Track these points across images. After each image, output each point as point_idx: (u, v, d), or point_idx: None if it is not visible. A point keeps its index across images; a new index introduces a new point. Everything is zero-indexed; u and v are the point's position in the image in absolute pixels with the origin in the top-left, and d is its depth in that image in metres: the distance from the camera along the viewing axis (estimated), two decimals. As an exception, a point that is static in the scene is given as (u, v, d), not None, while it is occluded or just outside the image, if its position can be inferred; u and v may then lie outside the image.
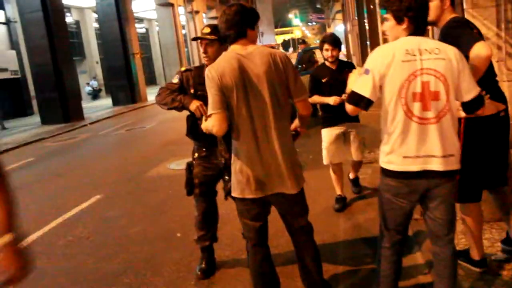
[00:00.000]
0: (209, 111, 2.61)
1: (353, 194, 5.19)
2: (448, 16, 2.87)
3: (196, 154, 3.67)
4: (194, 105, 3.38)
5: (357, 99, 2.41)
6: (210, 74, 2.61)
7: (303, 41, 13.69)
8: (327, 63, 4.75)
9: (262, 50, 2.69)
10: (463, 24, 2.85)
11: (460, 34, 2.70)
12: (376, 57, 2.39)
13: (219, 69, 2.60)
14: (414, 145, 2.34)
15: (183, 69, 3.69)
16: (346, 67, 4.70)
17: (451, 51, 2.33)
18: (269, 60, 2.65)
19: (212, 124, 2.60)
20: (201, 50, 3.41)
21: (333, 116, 4.67)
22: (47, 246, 5.04)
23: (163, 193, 6.37)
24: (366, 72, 2.37)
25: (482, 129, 2.89)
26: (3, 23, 22.22)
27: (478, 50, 2.57)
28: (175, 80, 3.62)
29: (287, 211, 2.86)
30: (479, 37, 2.76)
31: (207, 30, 3.38)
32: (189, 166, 3.68)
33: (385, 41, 5.73)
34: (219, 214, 3.85)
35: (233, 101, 2.60)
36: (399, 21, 2.38)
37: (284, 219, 2.91)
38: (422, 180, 2.38)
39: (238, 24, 2.65)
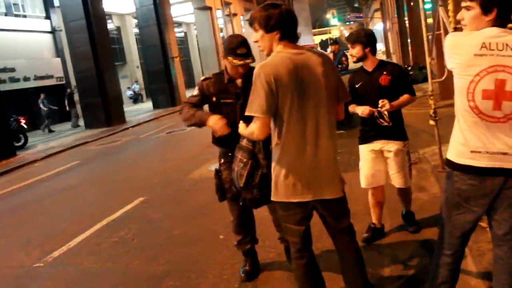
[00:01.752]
0: (254, 113, 2.47)
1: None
2: None
3: (223, 160, 3.59)
4: (212, 120, 3.26)
5: None
6: (264, 74, 2.44)
7: (334, 41, 13.29)
8: (364, 65, 3.92)
9: (313, 51, 2.62)
10: None
11: None
12: (448, 46, 2.27)
13: (274, 70, 2.44)
14: (483, 141, 2.21)
15: (202, 78, 3.57)
16: (384, 70, 3.81)
17: None
18: (323, 61, 2.57)
19: (255, 128, 2.51)
20: (234, 63, 3.24)
21: (369, 130, 3.89)
22: (93, 247, 5.17)
23: (205, 195, 6.39)
24: None
25: None
26: (49, 32, 23.00)
27: None
28: (195, 92, 3.49)
29: (330, 213, 2.76)
30: None
31: (243, 50, 3.23)
32: (217, 172, 3.61)
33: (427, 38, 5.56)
34: (262, 216, 3.83)
35: (286, 103, 2.47)
36: (486, 11, 2.14)
37: (325, 221, 2.81)
38: (497, 179, 2.23)
39: (296, 25, 2.61)
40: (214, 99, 3.42)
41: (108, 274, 4.43)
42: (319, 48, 27.44)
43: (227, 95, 3.38)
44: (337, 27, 74.92)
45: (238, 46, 3.21)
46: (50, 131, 19.43)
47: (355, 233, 2.89)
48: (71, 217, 6.66)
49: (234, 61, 3.22)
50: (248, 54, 3.24)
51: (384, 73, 3.79)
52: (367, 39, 3.79)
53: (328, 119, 2.57)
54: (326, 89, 2.54)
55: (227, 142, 3.34)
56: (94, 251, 5.06)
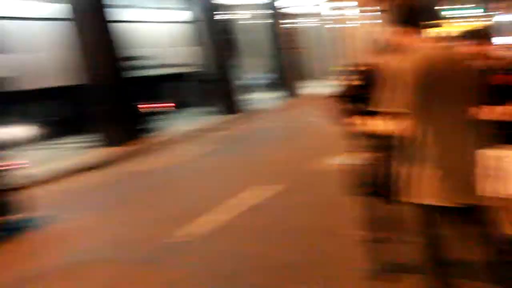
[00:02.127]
0: (391, 109, 2.43)
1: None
2: None
3: (365, 155, 3.47)
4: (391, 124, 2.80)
5: None
6: (401, 69, 2.37)
7: (472, 33, 12.02)
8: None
9: (451, 47, 2.63)
10: None
11: None
12: None
13: (411, 65, 2.37)
14: None
15: (362, 68, 3.41)
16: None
17: None
18: (461, 58, 2.55)
19: (391, 124, 2.47)
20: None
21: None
22: (227, 230, 5.49)
23: (340, 187, 6.18)
24: None
25: None
26: (189, 22, 24.38)
27: None
28: (355, 82, 3.35)
29: (466, 220, 2.64)
30: None
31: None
32: (357, 166, 3.54)
33: None
34: (397, 214, 3.57)
35: (422, 99, 2.39)
36: None
37: (461, 228, 2.72)
38: None
39: (429, 18, 2.61)
40: (359, 92, 3.32)
41: (245, 257, 4.61)
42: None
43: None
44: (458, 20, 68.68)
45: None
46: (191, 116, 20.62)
47: (494, 243, 2.74)
48: (204, 200, 6.90)
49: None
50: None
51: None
52: (485, 35, 3.52)
53: (465, 118, 2.48)
54: (465, 87, 2.45)
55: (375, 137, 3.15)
56: (227, 233, 5.37)
